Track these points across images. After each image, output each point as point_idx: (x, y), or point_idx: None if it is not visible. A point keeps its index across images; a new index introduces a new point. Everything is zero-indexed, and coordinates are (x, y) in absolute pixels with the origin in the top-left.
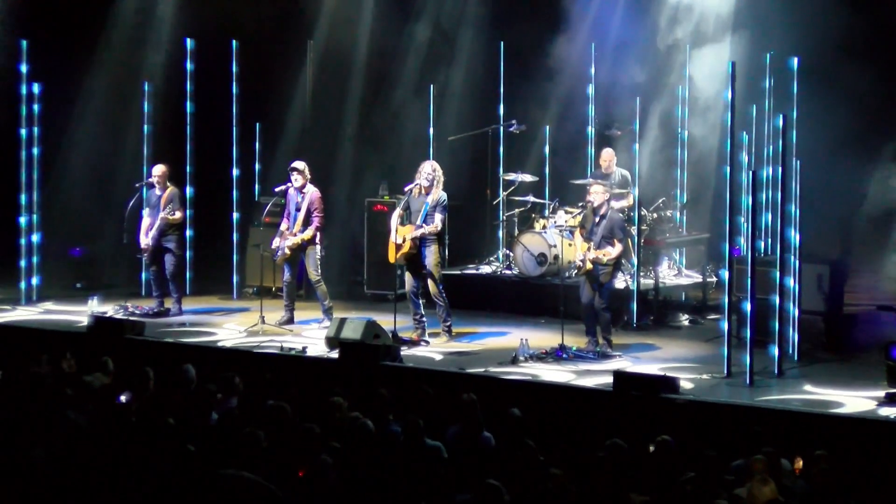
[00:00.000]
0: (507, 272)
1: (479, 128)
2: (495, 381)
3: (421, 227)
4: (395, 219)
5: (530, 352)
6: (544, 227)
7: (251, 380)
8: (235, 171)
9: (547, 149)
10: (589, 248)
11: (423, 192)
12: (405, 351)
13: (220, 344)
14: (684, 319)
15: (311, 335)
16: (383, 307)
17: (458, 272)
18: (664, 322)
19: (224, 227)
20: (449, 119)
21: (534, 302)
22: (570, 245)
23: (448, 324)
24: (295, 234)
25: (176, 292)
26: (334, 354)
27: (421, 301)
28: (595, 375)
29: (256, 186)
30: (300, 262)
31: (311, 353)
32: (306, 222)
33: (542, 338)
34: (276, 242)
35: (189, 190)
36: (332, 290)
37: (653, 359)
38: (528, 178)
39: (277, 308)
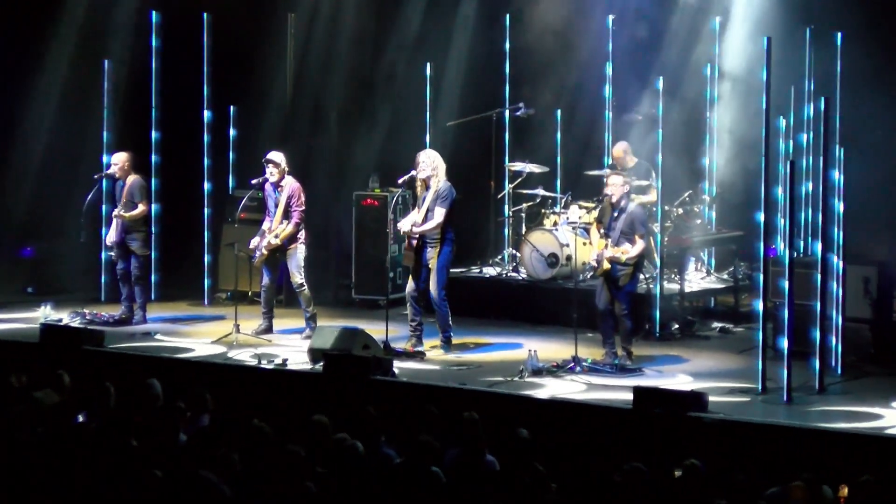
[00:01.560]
0: (514, 275)
1: (482, 112)
2: (500, 398)
3: (419, 224)
4: (411, 216)
5: (539, 365)
6: (555, 223)
7: (225, 396)
8: (207, 161)
9: (558, 135)
10: (606, 246)
11: (422, 185)
12: (398, 364)
13: (189, 356)
14: (714, 328)
15: (292, 346)
16: (374, 315)
17: (459, 275)
18: (691, 331)
19: (194, 223)
20: (448, 102)
21: (544, 309)
22: (584, 244)
23: (447, 335)
24: (274, 233)
25: (140, 298)
26: (318, 368)
27: (421, 307)
28: (613, 391)
29: (231, 178)
30: (281, 265)
31: (292, 366)
32: (286, 218)
33: (553, 349)
34: (254, 242)
35: (154, 182)
36: (317, 295)
37: (678, 372)
38: (536, 168)
39: (254, 315)
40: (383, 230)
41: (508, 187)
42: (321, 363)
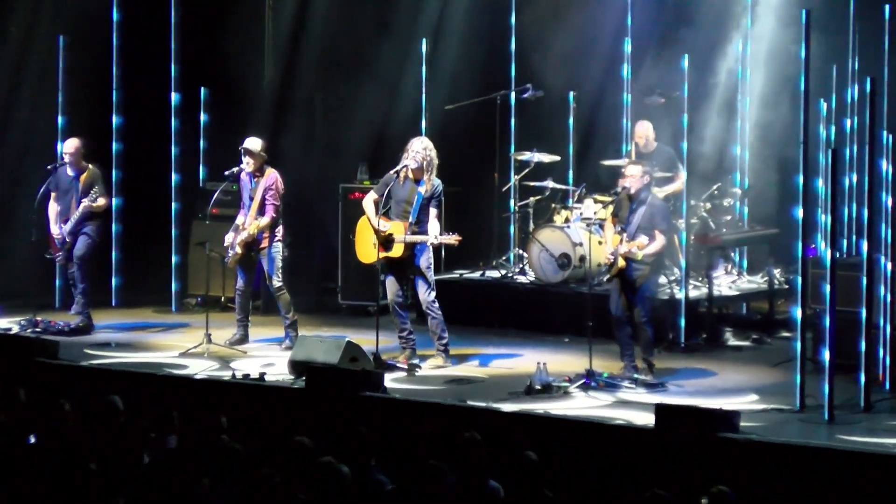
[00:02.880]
0: (520, 278)
1: (485, 94)
2: (505, 417)
3: (419, 232)
4: (369, 205)
5: (549, 379)
6: (567, 220)
7: (194, 414)
8: (175, 149)
9: (571, 121)
10: (621, 242)
11: (410, 176)
12: (390, 378)
13: (154, 369)
14: (746, 338)
15: (270, 357)
16: (363, 323)
17: (459, 278)
18: (720, 341)
19: (160, 220)
20: (446, 83)
21: (554, 316)
22: (600, 243)
23: (444, 342)
24: (248, 229)
25: (82, 282)
26: (300, 382)
27: (409, 313)
28: (632, 409)
29: (202, 169)
30: (257, 266)
31: (270, 380)
32: (261, 213)
33: (565, 361)
34: (228, 239)
35: (115, 173)
36: (299, 300)
37: (706, 388)
38: (546, 157)
39: (228, 324)
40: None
41: (514, 179)
42: (303, 377)
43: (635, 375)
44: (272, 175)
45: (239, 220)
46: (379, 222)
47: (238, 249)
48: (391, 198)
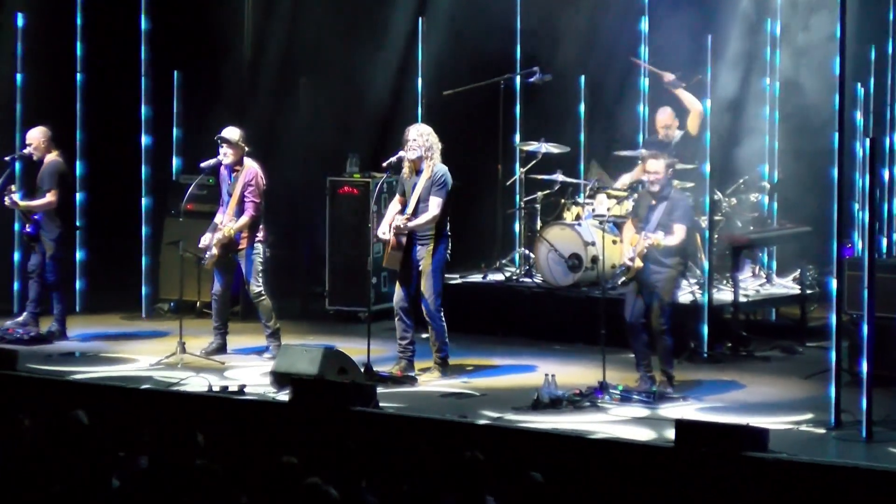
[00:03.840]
0: (527, 281)
1: (487, 78)
2: (508, 434)
3: (410, 218)
4: (392, 208)
5: (558, 393)
6: (578, 217)
7: (167, 432)
8: (146, 139)
9: (582, 107)
10: (641, 239)
11: (412, 168)
12: (383, 391)
13: (124, 382)
14: (775, 347)
15: (251, 368)
16: (352, 330)
17: (458, 281)
18: (746, 351)
19: (129, 217)
20: (444, 65)
21: (564, 323)
22: (614, 242)
23: (443, 355)
24: (226, 227)
25: (58, 308)
26: (284, 396)
27: (413, 321)
28: (650, 425)
29: (175, 160)
30: (236, 268)
31: (251, 393)
32: (241, 210)
33: (576, 373)
34: (205, 240)
35: (79, 165)
36: (282, 305)
37: (731, 402)
38: (554, 148)
39: (204, 331)
40: (364, 225)
41: (520, 172)
42: (287, 390)
43: (653, 388)
44: (252, 169)
45: (217, 218)
46: (389, 224)
47: (215, 250)
48: (406, 194)
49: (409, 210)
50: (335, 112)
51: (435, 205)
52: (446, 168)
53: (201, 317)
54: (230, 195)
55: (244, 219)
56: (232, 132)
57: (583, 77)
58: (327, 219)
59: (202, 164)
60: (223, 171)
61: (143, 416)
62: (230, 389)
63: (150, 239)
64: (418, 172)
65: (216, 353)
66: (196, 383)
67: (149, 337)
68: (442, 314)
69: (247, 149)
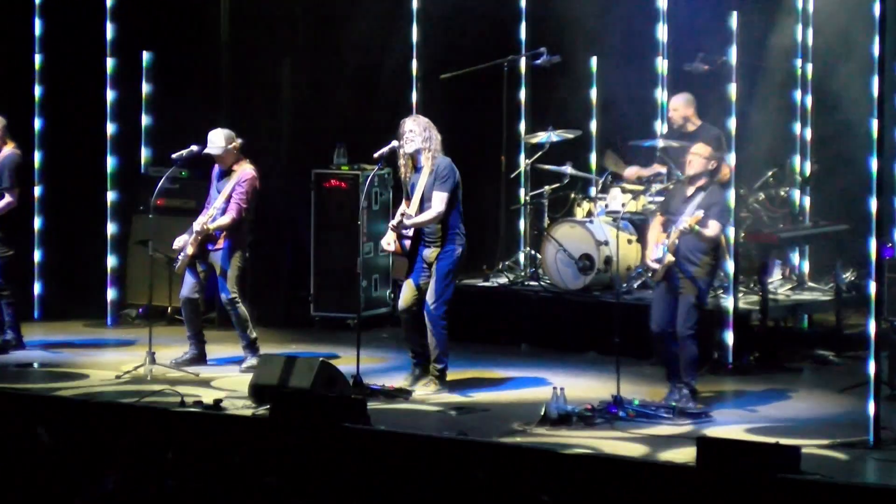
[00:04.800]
0: (533, 284)
1: (489, 60)
2: (513, 453)
3: (407, 216)
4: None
5: (568, 408)
6: (590, 214)
7: (135, 449)
8: (111, 126)
9: (594, 92)
10: (669, 235)
11: (410, 164)
12: (375, 406)
13: (87, 395)
14: (807, 357)
15: (228, 379)
16: (340, 339)
17: (459, 284)
18: (776, 361)
19: (93, 213)
20: (442, 47)
21: (574, 330)
22: (629, 242)
23: (441, 366)
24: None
25: (8, 307)
26: (264, 410)
27: (424, 328)
28: (669, 443)
29: (143, 150)
30: (209, 272)
31: (228, 408)
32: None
33: (587, 386)
34: (179, 241)
35: (37, 155)
36: (262, 311)
37: (758, 418)
38: (564, 136)
39: (176, 339)
40: (353, 222)
41: (525, 164)
42: (268, 405)
43: (672, 403)
44: (248, 172)
45: (199, 220)
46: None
47: (189, 251)
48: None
49: (413, 210)
50: (321, 97)
51: (438, 200)
52: (449, 160)
53: (173, 324)
54: (219, 193)
55: (225, 218)
56: (217, 138)
57: (594, 59)
58: (312, 215)
59: (174, 155)
60: (216, 171)
61: (108, 434)
62: (205, 404)
63: (115, 238)
64: (417, 169)
65: (190, 364)
66: (167, 397)
67: (115, 346)
68: (445, 322)
69: (237, 151)
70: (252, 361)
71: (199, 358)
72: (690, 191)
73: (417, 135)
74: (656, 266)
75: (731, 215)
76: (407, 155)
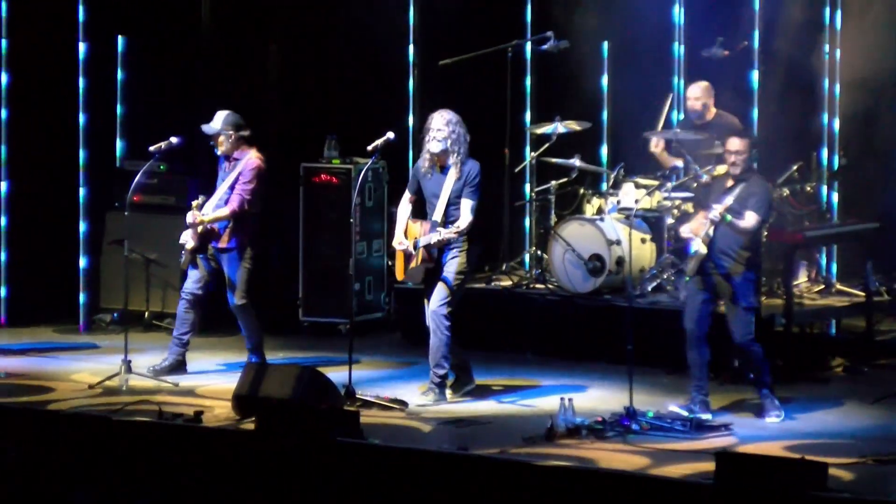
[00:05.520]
0: (539, 287)
1: (492, 45)
2: (519, 469)
3: (438, 230)
4: (402, 209)
5: (577, 420)
6: (600, 211)
7: (107, 467)
8: (83, 116)
9: (605, 80)
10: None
11: (436, 163)
12: (368, 418)
13: (57, 406)
14: (836, 366)
15: (209, 390)
16: (331, 345)
17: None
18: (802, 370)
19: (63, 210)
20: (441, 30)
21: (583, 336)
22: (643, 241)
23: (442, 373)
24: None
25: None
26: (249, 423)
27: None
28: (686, 458)
29: (119, 142)
30: (214, 270)
31: (208, 420)
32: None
33: (597, 397)
34: (185, 237)
35: (2, 149)
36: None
37: (782, 431)
38: (572, 128)
39: (153, 345)
40: (345, 220)
41: (531, 157)
42: (253, 417)
43: (691, 415)
44: (252, 160)
45: (207, 205)
46: (405, 230)
47: (189, 245)
48: (421, 192)
49: (438, 215)
50: (311, 86)
51: (468, 209)
52: (478, 164)
53: (150, 330)
54: (222, 182)
55: (224, 209)
56: (216, 119)
57: (606, 44)
58: (301, 212)
59: (152, 148)
60: (223, 160)
61: (80, 449)
62: (185, 416)
63: (88, 237)
64: (443, 169)
65: (170, 372)
66: (144, 409)
67: (87, 353)
68: (449, 324)
69: (244, 136)
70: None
71: (179, 366)
72: (730, 182)
73: (446, 135)
74: (693, 243)
75: (771, 207)
76: (433, 154)
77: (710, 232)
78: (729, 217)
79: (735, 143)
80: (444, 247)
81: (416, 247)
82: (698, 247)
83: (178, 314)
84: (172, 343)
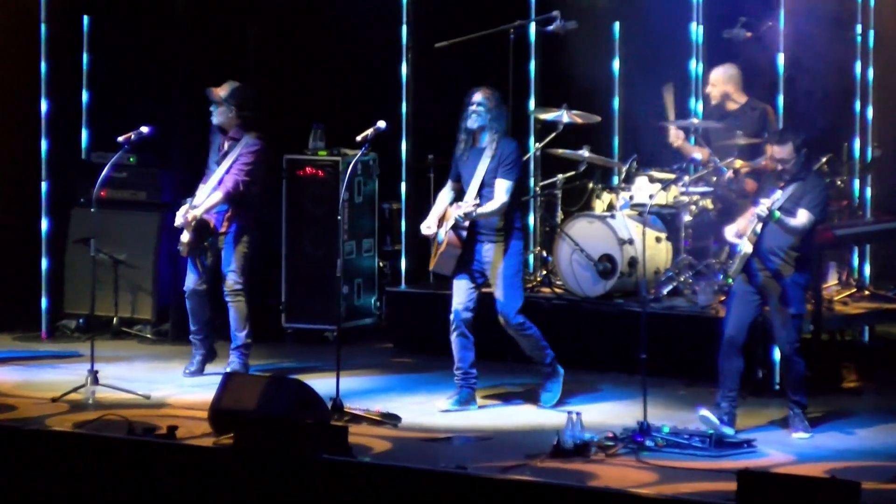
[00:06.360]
0: (545, 290)
1: (493, 26)
2: (523, 488)
3: (458, 204)
4: (443, 195)
5: (585, 435)
6: (611, 207)
7: (72, 487)
8: (45, 104)
9: (616, 64)
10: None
11: (472, 142)
12: (358, 434)
13: (17, 422)
14: (869, 376)
15: (184, 401)
16: (317, 354)
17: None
18: (832, 381)
19: (23, 206)
20: (436, 11)
21: (592, 344)
22: (658, 240)
23: (550, 359)
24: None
25: None
26: (226, 440)
27: (473, 338)
28: (705, 477)
29: (84, 133)
30: (214, 259)
31: (184, 436)
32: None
33: (608, 410)
34: (179, 217)
35: None
36: (224, 321)
37: (810, 448)
38: (580, 117)
39: (123, 354)
40: (332, 217)
41: (535, 148)
42: (231, 433)
43: (711, 431)
44: (254, 142)
45: (199, 191)
46: (443, 217)
47: (185, 237)
48: (461, 178)
49: (471, 197)
50: (294, 70)
51: (502, 189)
52: (516, 143)
53: (119, 337)
54: (217, 166)
55: (217, 195)
56: (224, 88)
57: (617, 24)
58: (284, 209)
59: (121, 138)
60: (214, 138)
61: (42, 467)
62: (157, 432)
63: (51, 236)
64: (478, 149)
65: (203, 367)
66: (113, 424)
67: (50, 363)
68: (529, 323)
69: (246, 114)
70: (238, 365)
71: (210, 357)
72: (782, 184)
73: (486, 110)
74: (737, 240)
75: (826, 207)
76: (469, 131)
77: (758, 229)
78: (778, 214)
79: (778, 152)
80: (477, 237)
81: (445, 230)
82: (744, 245)
83: (189, 311)
84: (192, 341)
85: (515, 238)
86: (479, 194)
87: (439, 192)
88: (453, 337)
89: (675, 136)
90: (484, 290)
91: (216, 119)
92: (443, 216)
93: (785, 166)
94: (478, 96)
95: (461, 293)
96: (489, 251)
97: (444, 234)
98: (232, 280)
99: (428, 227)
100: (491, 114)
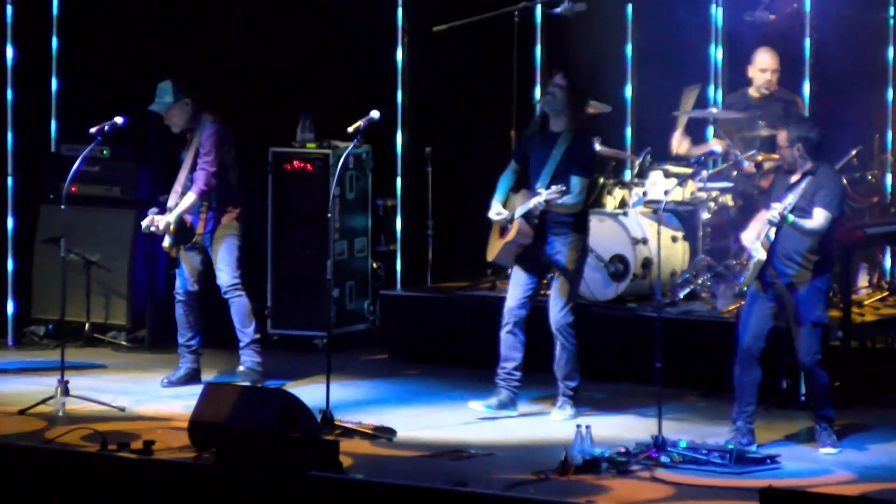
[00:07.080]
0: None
1: (496, 7)
2: None
3: (540, 191)
4: (505, 177)
5: (595, 451)
6: (624, 204)
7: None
8: (10, 93)
9: (629, 49)
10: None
11: (546, 125)
12: (350, 449)
13: None
14: None
15: (162, 413)
16: (305, 362)
17: (458, 293)
18: (862, 391)
19: None
20: None
21: (602, 352)
22: (674, 240)
23: (575, 385)
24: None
25: None
26: (208, 456)
27: (525, 339)
28: (725, 495)
29: (53, 124)
30: (203, 258)
31: (161, 451)
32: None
33: (620, 424)
34: (149, 220)
35: None
36: (206, 326)
37: (838, 464)
38: (590, 107)
39: (97, 362)
40: (322, 214)
41: None
42: (213, 448)
43: (731, 446)
44: (209, 127)
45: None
46: (503, 203)
47: (166, 243)
48: (529, 162)
49: (541, 186)
50: (282, 56)
51: (579, 187)
52: (593, 140)
53: (90, 344)
54: (181, 164)
55: (189, 197)
56: (163, 92)
57: (630, 6)
58: (269, 206)
59: (93, 129)
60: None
61: (10, 483)
62: (132, 447)
63: (17, 235)
64: (549, 133)
65: (186, 382)
66: (84, 437)
67: (17, 373)
68: (574, 331)
69: (196, 103)
70: (251, 364)
71: (194, 375)
72: (795, 177)
73: (567, 95)
74: (756, 248)
75: (844, 201)
76: (545, 112)
77: (771, 235)
78: (791, 217)
79: (779, 142)
80: (548, 230)
81: (512, 218)
82: (758, 252)
83: (177, 319)
84: (181, 351)
85: (581, 231)
86: (550, 185)
87: (502, 175)
88: (503, 333)
89: (678, 143)
90: (486, 295)
91: (181, 126)
92: (507, 200)
93: (785, 158)
94: (559, 78)
95: (519, 287)
96: (558, 245)
97: (515, 221)
98: (227, 276)
99: (498, 213)
100: (567, 100)
